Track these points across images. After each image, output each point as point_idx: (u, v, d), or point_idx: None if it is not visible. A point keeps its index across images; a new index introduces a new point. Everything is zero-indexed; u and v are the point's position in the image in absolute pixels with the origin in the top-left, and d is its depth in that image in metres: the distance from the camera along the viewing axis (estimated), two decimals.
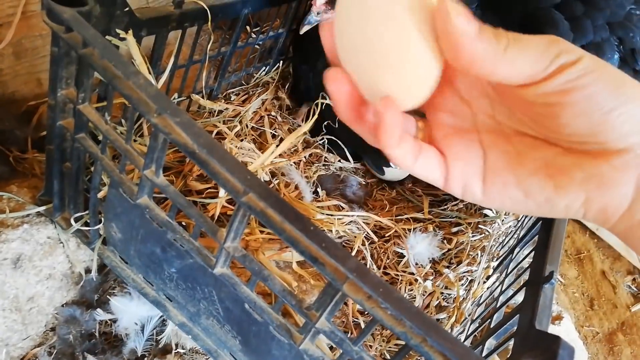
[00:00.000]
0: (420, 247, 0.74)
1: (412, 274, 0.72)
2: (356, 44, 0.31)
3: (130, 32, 0.58)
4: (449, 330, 0.65)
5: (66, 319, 0.69)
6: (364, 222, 0.76)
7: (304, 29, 0.72)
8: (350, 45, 0.32)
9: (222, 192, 0.66)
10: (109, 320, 0.69)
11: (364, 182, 0.89)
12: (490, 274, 0.67)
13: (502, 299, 0.57)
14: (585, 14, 0.68)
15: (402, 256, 0.75)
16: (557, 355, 0.38)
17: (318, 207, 0.75)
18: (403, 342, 0.38)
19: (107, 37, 0.56)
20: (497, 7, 0.73)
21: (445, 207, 0.84)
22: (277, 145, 0.75)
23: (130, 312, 0.67)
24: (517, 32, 0.65)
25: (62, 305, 0.70)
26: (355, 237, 0.73)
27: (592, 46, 0.69)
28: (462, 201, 0.86)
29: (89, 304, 0.73)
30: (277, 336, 0.49)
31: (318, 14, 0.70)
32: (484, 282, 0.66)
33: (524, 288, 0.51)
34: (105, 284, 0.74)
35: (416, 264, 0.74)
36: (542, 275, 0.50)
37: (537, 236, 0.57)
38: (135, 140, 0.69)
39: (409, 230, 0.77)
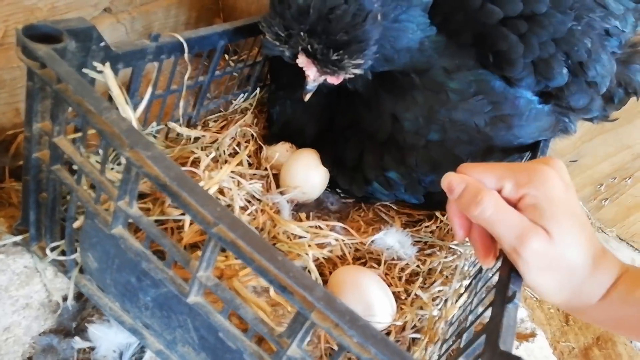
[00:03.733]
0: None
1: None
2: None
3: (108, 64, 0.60)
4: (424, 351, 0.66)
5: (43, 348, 0.68)
6: (343, 243, 0.78)
7: (307, 96, 0.76)
8: None
9: (187, 222, 0.67)
10: (87, 348, 0.69)
11: (342, 201, 0.91)
12: (461, 292, 0.69)
13: (471, 317, 0.59)
14: (530, 30, 0.73)
15: None
16: None
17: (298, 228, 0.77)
18: None
19: (83, 69, 0.58)
20: (451, 33, 0.78)
21: (420, 227, 0.86)
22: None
23: (109, 340, 0.67)
24: (473, 51, 0.77)
25: (40, 334, 0.70)
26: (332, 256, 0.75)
27: (541, 62, 0.73)
28: (434, 222, 0.88)
29: (67, 332, 0.72)
30: None
31: (314, 80, 0.73)
32: (456, 302, 0.68)
33: (490, 308, 0.53)
34: (84, 311, 0.74)
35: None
36: (506, 295, 0.51)
37: (502, 256, 0.58)
38: (112, 169, 0.70)
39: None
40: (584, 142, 1.18)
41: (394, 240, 0.79)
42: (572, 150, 1.20)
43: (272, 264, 0.39)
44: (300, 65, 0.71)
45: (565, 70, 0.74)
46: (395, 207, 0.92)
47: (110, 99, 0.62)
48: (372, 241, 0.80)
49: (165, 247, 0.47)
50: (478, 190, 0.51)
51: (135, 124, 0.63)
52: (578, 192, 1.23)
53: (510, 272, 0.55)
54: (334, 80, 0.75)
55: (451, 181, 0.53)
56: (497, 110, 0.77)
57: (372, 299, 0.65)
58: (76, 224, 0.58)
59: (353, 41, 0.66)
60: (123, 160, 0.67)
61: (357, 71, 0.71)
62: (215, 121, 0.91)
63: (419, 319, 0.70)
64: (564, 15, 0.71)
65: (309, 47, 0.67)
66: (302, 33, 0.66)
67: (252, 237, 0.41)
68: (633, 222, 1.22)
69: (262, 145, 0.91)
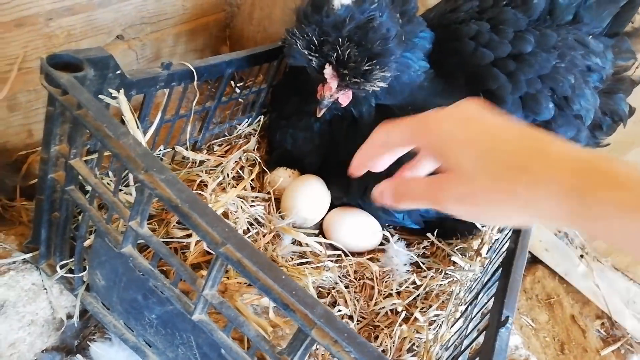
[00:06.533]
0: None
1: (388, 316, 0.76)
2: None
3: (122, 91, 0.63)
4: None
5: None
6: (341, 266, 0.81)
7: (321, 112, 0.79)
8: None
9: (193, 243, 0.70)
10: None
11: None
12: (457, 317, 0.71)
13: (466, 342, 0.61)
14: (518, 69, 0.77)
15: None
16: None
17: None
18: None
19: (100, 95, 0.61)
20: (445, 75, 0.82)
21: (418, 249, 0.88)
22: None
23: (110, 358, 0.69)
24: (465, 90, 0.77)
25: (42, 351, 0.71)
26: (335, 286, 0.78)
27: (529, 97, 0.78)
28: (431, 246, 0.90)
29: (69, 349, 0.74)
30: None
31: (331, 96, 0.77)
32: (452, 326, 0.70)
33: (484, 332, 0.55)
34: (86, 329, 0.76)
35: (391, 311, 0.78)
36: (499, 320, 0.53)
37: (497, 282, 0.61)
38: (120, 190, 0.73)
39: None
40: None
41: (392, 256, 0.82)
42: None
43: (276, 283, 0.42)
44: (325, 75, 0.74)
45: (551, 105, 0.78)
46: (394, 229, 0.95)
47: (122, 122, 0.65)
48: (371, 258, 0.83)
49: (174, 266, 0.50)
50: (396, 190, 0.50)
51: (144, 147, 0.66)
52: None
53: (503, 299, 0.57)
54: (345, 99, 0.79)
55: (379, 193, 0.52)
56: None
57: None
58: (86, 243, 0.61)
59: (386, 53, 0.71)
60: (131, 182, 0.70)
61: (382, 84, 0.75)
62: (219, 145, 0.94)
63: (415, 341, 0.72)
64: (548, 53, 0.76)
65: (342, 55, 0.70)
66: (339, 39, 0.70)
67: (258, 256, 0.43)
68: (627, 253, 1.24)
69: (266, 169, 0.94)
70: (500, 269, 0.64)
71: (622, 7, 0.79)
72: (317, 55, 0.72)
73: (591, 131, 0.85)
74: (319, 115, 0.78)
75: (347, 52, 0.70)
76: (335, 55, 0.71)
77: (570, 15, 0.79)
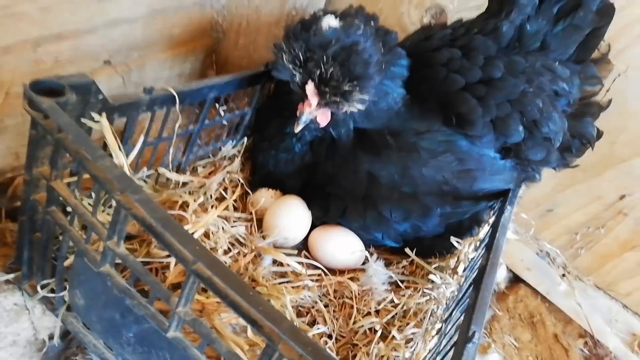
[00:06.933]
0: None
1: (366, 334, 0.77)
2: None
3: (104, 115, 0.65)
4: None
5: None
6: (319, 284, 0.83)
7: (299, 127, 0.81)
8: None
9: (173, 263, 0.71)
10: None
11: None
12: (433, 334, 0.72)
13: (438, 358, 0.62)
14: (488, 93, 0.81)
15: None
16: None
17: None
18: None
19: (82, 119, 0.63)
20: (420, 100, 0.87)
21: (397, 268, 0.91)
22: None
23: None
24: (439, 114, 0.80)
25: None
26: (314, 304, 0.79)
27: (499, 121, 0.81)
28: (410, 265, 0.92)
29: None
30: None
31: (310, 113, 0.80)
32: (427, 343, 0.71)
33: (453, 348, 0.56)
34: (68, 350, 0.76)
35: (369, 329, 0.79)
36: (467, 335, 0.55)
37: (468, 299, 0.62)
38: (103, 211, 0.74)
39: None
40: (558, 192, 1.24)
41: (371, 275, 0.84)
42: (548, 200, 1.25)
43: (243, 299, 0.43)
44: (307, 92, 0.77)
45: (521, 128, 0.82)
46: (375, 248, 0.97)
47: (105, 145, 0.67)
48: (352, 278, 0.85)
49: (149, 284, 0.51)
50: None
51: (127, 169, 0.68)
52: (555, 241, 1.27)
53: (472, 315, 0.58)
54: (323, 119, 0.82)
55: None
56: (463, 165, 0.85)
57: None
58: (67, 263, 0.62)
59: (366, 77, 0.75)
60: (114, 203, 0.72)
61: (360, 106, 0.79)
62: (203, 167, 0.96)
63: (393, 359, 0.73)
64: (517, 79, 0.80)
65: (325, 73, 0.74)
66: (324, 58, 0.73)
67: (227, 274, 0.45)
68: (608, 271, 1.25)
69: (249, 190, 0.96)
70: (472, 286, 0.65)
71: (587, 35, 0.83)
72: (301, 70, 0.76)
73: (561, 153, 0.88)
74: (296, 131, 0.81)
75: (330, 70, 0.74)
76: (318, 73, 0.75)
77: (538, 42, 0.83)
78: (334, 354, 0.73)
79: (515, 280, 1.24)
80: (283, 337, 0.42)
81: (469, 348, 0.53)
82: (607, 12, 0.83)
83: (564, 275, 1.26)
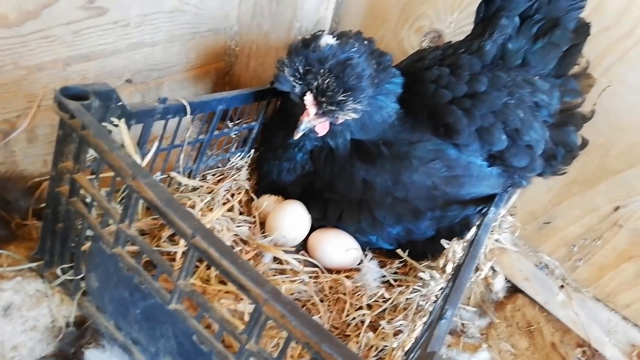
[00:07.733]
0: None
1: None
2: None
3: (123, 120, 0.74)
4: None
5: None
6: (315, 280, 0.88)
7: (298, 135, 0.89)
8: None
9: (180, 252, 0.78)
10: None
11: None
12: (418, 323, 0.77)
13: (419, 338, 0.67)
14: (473, 106, 0.88)
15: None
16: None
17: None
18: None
19: (102, 123, 0.72)
20: (410, 113, 0.95)
21: (388, 268, 0.96)
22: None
23: None
24: (428, 125, 0.88)
25: (41, 358, 0.79)
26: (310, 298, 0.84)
27: (484, 130, 0.88)
28: (403, 266, 0.98)
29: (66, 357, 0.81)
30: None
31: (309, 122, 0.88)
32: (412, 332, 0.76)
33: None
34: (82, 339, 0.83)
35: (361, 322, 0.84)
36: (441, 312, 0.60)
37: (448, 283, 0.68)
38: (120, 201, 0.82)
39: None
40: (555, 205, 1.27)
41: (365, 273, 0.90)
42: (545, 213, 1.29)
43: (233, 265, 0.50)
44: (305, 102, 0.85)
45: (504, 136, 0.88)
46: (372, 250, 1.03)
47: (122, 147, 0.75)
48: (347, 276, 0.90)
49: (154, 260, 0.58)
50: None
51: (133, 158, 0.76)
52: (553, 253, 1.30)
53: (448, 296, 0.64)
54: (321, 129, 0.90)
55: None
56: (451, 172, 0.91)
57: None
58: (84, 247, 0.70)
59: (358, 88, 0.83)
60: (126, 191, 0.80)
61: (354, 115, 0.87)
62: (213, 175, 1.04)
63: (382, 349, 0.78)
64: (500, 92, 0.87)
65: (322, 84, 0.83)
66: (321, 71, 0.82)
67: (220, 245, 0.52)
68: (607, 283, 1.27)
69: (253, 197, 1.03)
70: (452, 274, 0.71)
71: (565, 52, 0.90)
72: (300, 82, 0.85)
73: (547, 160, 0.94)
74: (295, 137, 0.89)
75: (326, 82, 0.83)
76: (315, 84, 0.83)
77: (520, 59, 0.90)
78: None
79: (513, 290, 1.27)
80: (266, 298, 0.49)
81: (442, 324, 0.59)
82: (583, 30, 0.89)
83: (562, 286, 1.28)
